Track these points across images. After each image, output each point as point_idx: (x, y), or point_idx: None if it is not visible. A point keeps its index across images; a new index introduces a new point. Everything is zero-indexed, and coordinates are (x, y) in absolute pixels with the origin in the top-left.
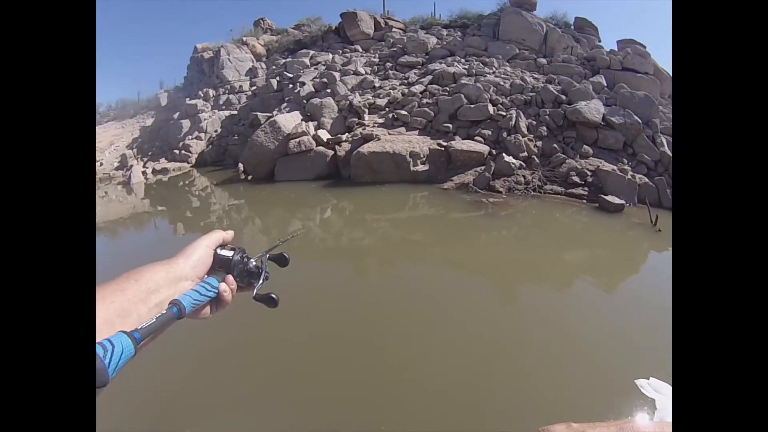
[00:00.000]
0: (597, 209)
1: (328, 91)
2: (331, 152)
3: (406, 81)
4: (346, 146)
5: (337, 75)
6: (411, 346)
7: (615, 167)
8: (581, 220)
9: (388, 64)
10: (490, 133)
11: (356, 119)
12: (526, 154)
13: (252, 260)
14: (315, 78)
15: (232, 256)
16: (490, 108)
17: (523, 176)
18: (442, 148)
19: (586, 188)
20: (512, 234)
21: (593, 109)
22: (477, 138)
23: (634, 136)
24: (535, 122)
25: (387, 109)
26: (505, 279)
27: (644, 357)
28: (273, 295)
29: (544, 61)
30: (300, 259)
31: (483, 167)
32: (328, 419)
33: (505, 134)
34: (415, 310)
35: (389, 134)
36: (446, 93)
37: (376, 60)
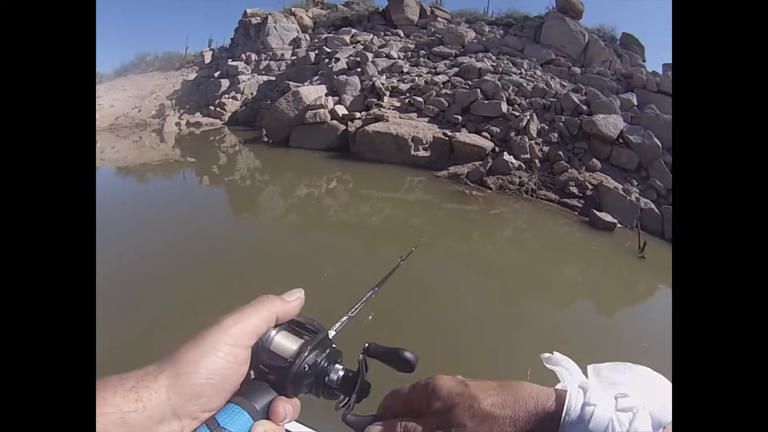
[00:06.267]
0: (586, 223)
1: (359, 70)
2: (343, 127)
3: (434, 70)
4: (358, 123)
5: (370, 56)
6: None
7: (620, 186)
8: (573, 233)
9: (422, 52)
10: (498, 130)
11: (375, 100)
12: (528, 156)
13: (339, 366)
14: (350, 56)
15: (295, 357)
16: (504, 106)
17: (519, 177)
18: (447, 138)
19: (581, 201)
20: (505, 235)
21: (610, 123)
22: (484, 134)
23: (651, 159)
24: (548, 127)
25: (407, 94)
26: (500, 281)
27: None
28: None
29: (578, 70)
30: (310, 229)
31: (482, 162)
32: None
33: (513, 134)
34: (418, 296)
35: (400, 117)
36: (467, 87)
37: (412, 46)
